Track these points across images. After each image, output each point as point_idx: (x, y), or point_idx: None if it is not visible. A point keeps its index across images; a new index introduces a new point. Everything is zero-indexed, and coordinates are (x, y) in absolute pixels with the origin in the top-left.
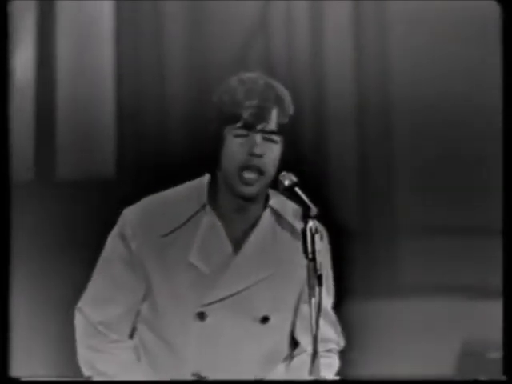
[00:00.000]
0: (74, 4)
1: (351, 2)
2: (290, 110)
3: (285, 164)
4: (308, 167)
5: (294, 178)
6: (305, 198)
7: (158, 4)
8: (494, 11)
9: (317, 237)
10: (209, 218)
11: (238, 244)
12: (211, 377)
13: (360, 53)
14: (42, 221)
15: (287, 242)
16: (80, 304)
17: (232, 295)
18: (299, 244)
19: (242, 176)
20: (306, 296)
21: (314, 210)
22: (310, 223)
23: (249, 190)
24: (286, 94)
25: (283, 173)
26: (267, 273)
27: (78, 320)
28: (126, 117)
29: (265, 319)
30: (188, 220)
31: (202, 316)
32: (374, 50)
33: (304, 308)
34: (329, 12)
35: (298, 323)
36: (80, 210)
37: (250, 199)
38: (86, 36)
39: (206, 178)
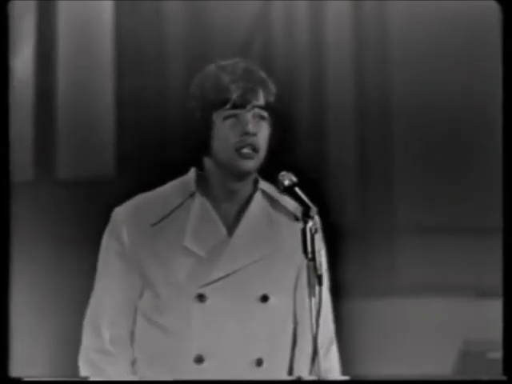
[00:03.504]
0: (73, 4)
1: (351, 2)
2: (273, 89)
3: (285, 164)
4: (308, 167)
5: (294, 178)
6: (304, 197)
7: (159, 2)
8: (494, 11)
9: (317, 237)
10: (199, 203)
11: (231, 225)
12: (214, 358)
13: (360, 51)
14: (41, 220)
15: (282, 222)
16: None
17: (229, 275)
18: (294, 224)
19: (240, 152)
20: (303, 279)
21: (313, 210)
22: (310, 223)
23: (248, 165)
24: (265, 75)
25: (283, 173)
26: (264, 252)
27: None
28: (126, 116)
29: (264, 298)
30: (177, 207)
31: (201, 298)
32: (374, 47)
33: (302, 292)
34: (329, 9)
35: (298, 307)
36: (80, 210)
37: (246, 176)
38: (86, 36)
39: (193, 171)
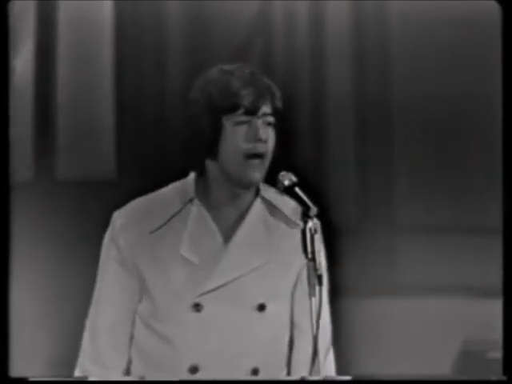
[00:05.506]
0: (74, 4)
1: (351, 1)
2: (279, 94)
3: (284, 164)
4: (308, 167)
5: (294, 178)
6: (304, 197)
7: (159, 3)
8: (494, 11)
9: (317, 237)
10: (197, 211)
11: (228, 234)
12: (209, 368)
13: (360, 50)
14: (41, 221)
15: (280, 230)
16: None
17: (226, 284)
18: (293, 232)
19: (249, 162)
20: (302, 284)
21: (314, 210)
22: (310, 223)
23: (256, 176)
24: (270, 81)
25: (283, 172)
26: (261, 261)
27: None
28: (126, 117)
29: (261, 307)
30: (175, 214)
31: (197, 307)
32: (374, 47)
33: (301, 296)
34: (329, 11)
35: (295, 311)
36: (80, 211)
37: (251, 187)
38: (86, 36)
39: (192, 176)
